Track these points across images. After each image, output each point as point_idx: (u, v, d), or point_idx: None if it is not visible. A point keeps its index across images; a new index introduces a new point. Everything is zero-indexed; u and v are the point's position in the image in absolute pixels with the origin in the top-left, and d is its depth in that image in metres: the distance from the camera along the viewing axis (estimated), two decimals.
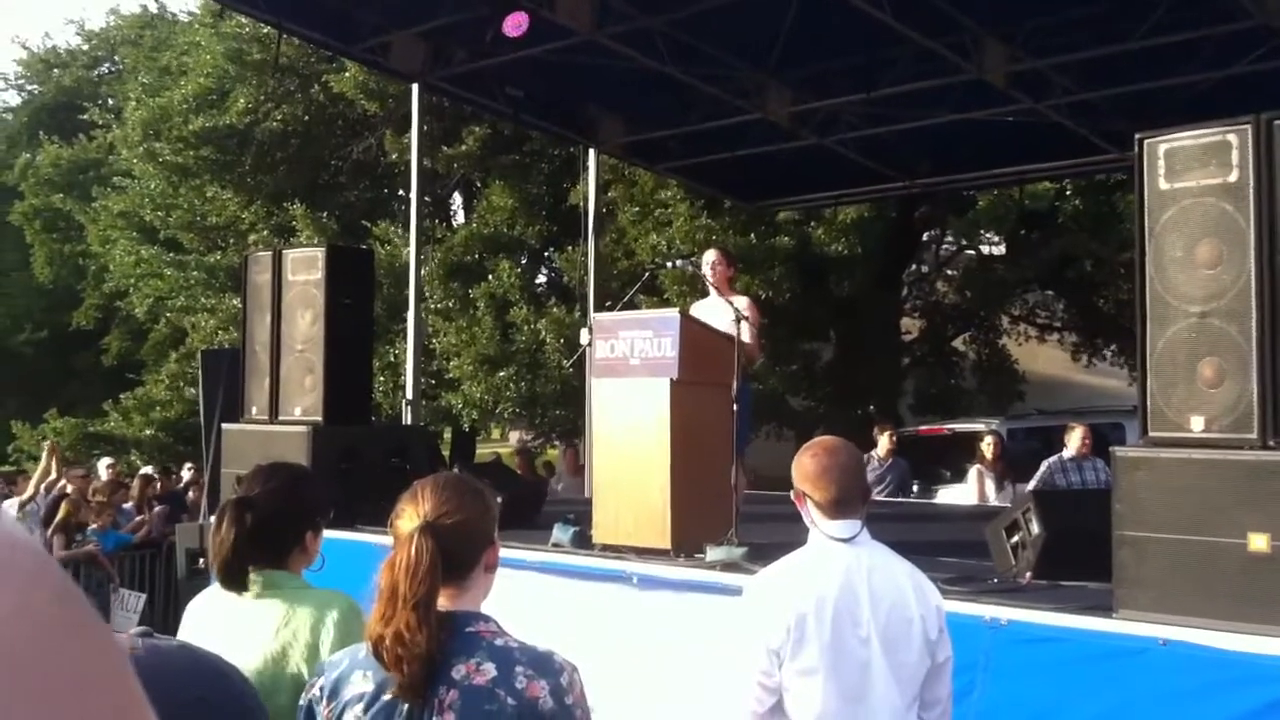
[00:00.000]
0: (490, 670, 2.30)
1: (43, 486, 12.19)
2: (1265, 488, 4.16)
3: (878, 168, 12.53)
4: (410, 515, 2.41)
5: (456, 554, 2.39)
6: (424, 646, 2.26)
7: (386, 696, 2.33)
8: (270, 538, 2.95)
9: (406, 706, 2.31)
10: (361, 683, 2.38)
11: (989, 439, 11.20)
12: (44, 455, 12.58)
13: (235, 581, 2.90)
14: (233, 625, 2.89)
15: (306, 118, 20.30)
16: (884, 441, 11.33)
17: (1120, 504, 4.52)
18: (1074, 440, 9.92)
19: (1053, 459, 10.01)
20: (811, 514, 3.30)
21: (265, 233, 19.55)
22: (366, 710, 2.34)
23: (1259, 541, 4.08)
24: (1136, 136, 4.64)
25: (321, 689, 2.44)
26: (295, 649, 2.83)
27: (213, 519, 2.99)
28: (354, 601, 2.92)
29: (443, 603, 2.38)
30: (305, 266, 8.22)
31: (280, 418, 8.20)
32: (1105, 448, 6.99)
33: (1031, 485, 10.06)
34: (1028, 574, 5.34)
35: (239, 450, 8.43)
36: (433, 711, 2.29)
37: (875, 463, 10.88)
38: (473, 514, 2.45)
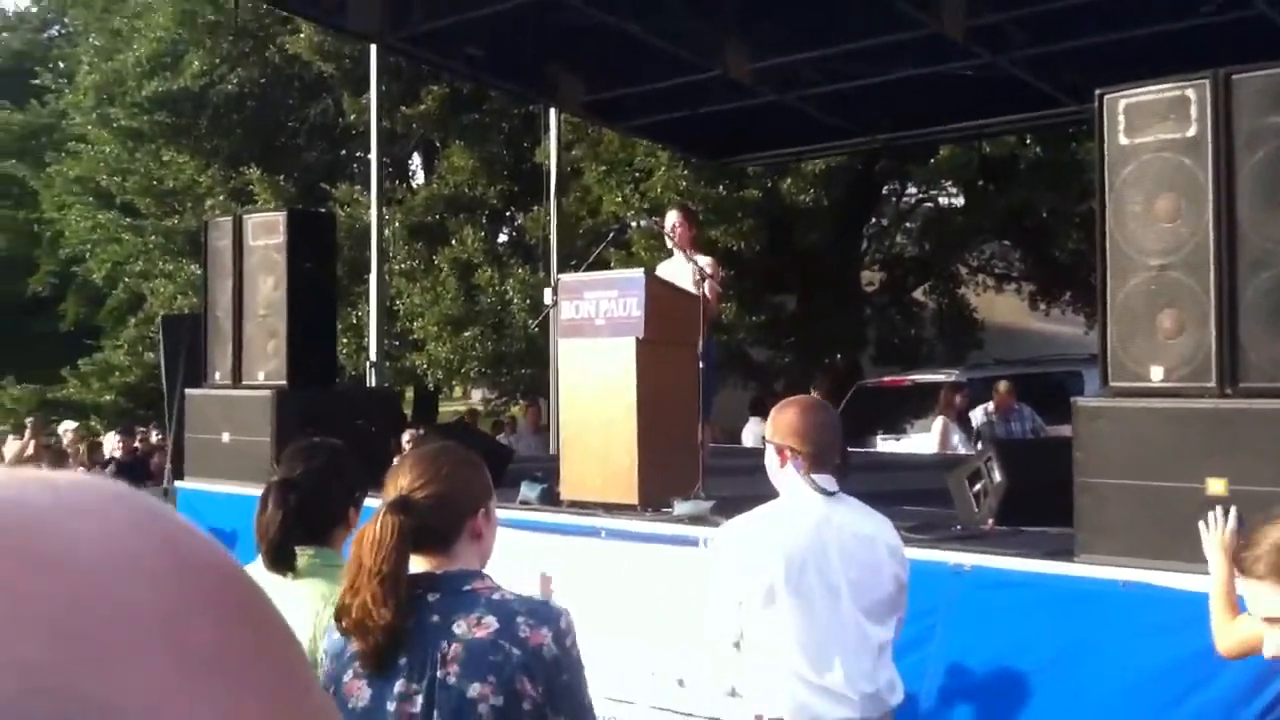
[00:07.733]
0: (492, 623, 2.36)
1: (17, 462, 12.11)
2: (1223, 434, 4.24)
3: (839, 123, 12.51)
4: (390, 489, 2.48)
5: (435, 526, 2.45)
6: (389, 619, 2.32)
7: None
8: (315, 517, 2.97)
9: (406, 659, 2.36)
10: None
11: (959, 391, 11.36)
12: (27, 432, 12.47)
13: (284, 564, 2.91)
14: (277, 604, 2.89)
15: (262, 80, 20.07)
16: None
17: (1081, 452, 4.60)
18: (999, 393, 10.44)
19: (977, 410, 10.40)
20: (799, 466, 3.33)
21: (223, 197, 19.34)
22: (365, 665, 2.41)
23: (1217, 486, 4.17)
24: (1096, 92, 4.68)
25: (326, 651, 2.53)
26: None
27: (258, 500, 2.98)
28: None
29: (430, 567, 2.45)
30: (266, 231, 8.17)
31: (244, 382, 8.18)
32: (1065, 396, 7.10)
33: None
34: (990, 521, 5.43)
35: (202, 415, 8.46)
36: (435, 665, 2.34)
37: None
38: (452, 486, 2.49)
